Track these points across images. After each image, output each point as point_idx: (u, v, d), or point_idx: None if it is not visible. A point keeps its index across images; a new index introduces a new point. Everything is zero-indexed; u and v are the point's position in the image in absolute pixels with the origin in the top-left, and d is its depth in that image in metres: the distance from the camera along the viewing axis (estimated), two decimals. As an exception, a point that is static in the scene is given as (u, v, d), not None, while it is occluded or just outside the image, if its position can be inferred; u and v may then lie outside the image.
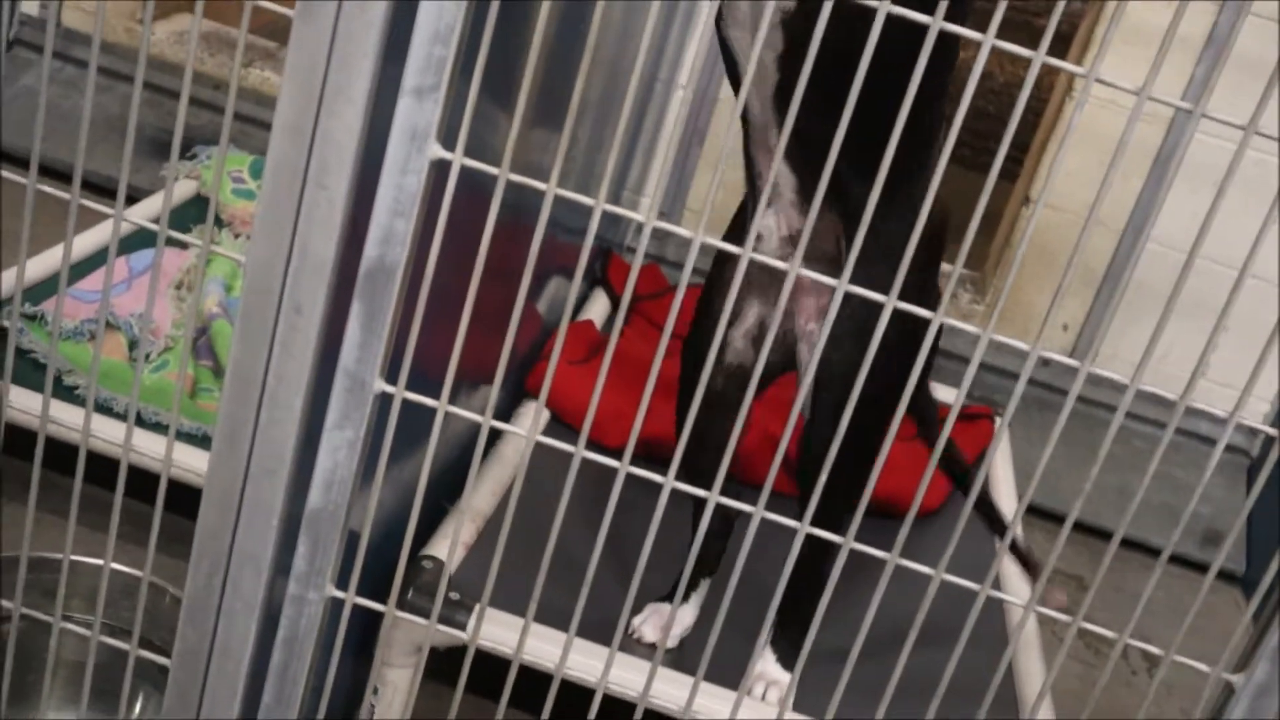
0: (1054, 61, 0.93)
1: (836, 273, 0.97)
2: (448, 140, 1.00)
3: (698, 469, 1.66)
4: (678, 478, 1.04)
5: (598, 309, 2.60)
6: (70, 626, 1.17)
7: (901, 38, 0.92)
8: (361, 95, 0.98)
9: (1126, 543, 2.82)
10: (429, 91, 0.98)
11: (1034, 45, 0.88)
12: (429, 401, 1.05)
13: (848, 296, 0.97)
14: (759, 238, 1.53)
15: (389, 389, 1.05)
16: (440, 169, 1.00)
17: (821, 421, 1.53)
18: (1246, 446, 3.06)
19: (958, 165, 1.56)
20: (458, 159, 0.99)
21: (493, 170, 0.99)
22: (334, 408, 1.06)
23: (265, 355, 1.05)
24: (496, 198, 0.99)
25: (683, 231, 0.99)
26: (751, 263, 1.41)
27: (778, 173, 1.48)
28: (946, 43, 0.88)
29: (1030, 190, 3.07)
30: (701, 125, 2.95)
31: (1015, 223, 3.13)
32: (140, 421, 1.91)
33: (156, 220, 2.23)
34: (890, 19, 0.88)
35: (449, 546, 1.61)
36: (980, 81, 0.94)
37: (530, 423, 1.03)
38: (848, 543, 1.02)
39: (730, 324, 1.61)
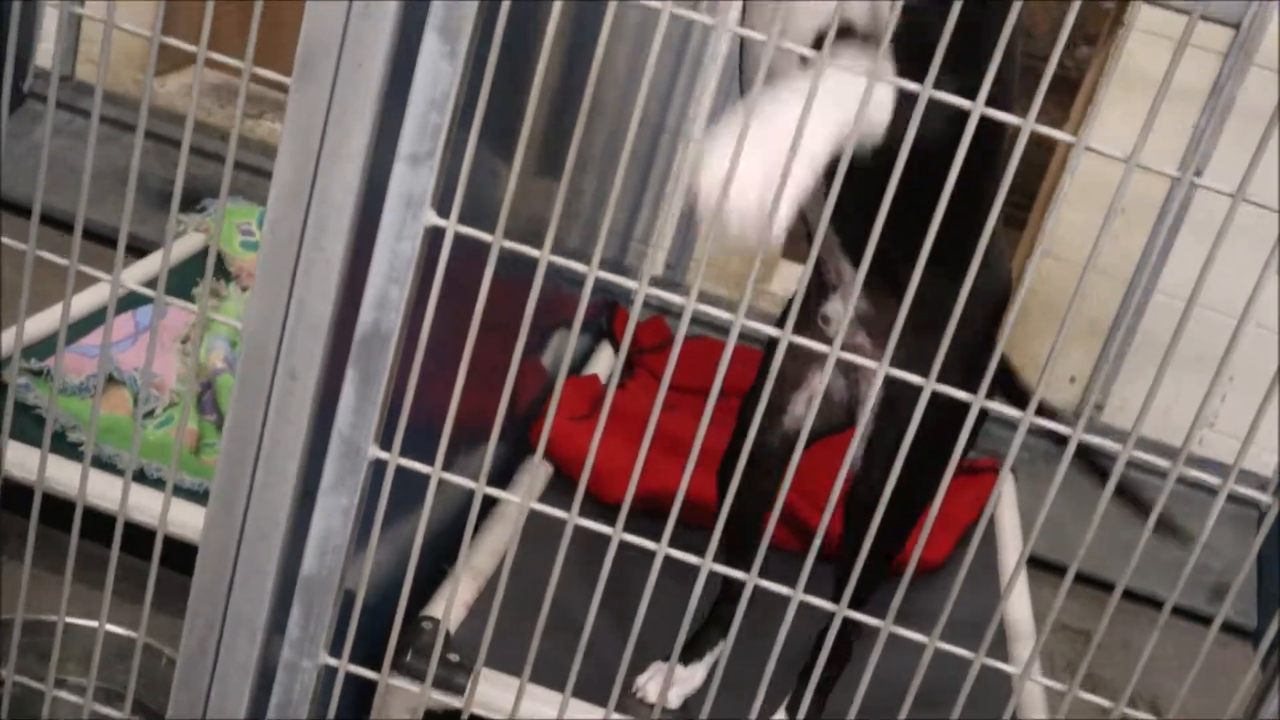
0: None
1: (900, 347, 1.01)
2: (444, 204, 1.01)
3: (740, 525, 1.68)
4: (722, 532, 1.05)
5: (603, 362, 2.59)
6: (63, 695, 1.17)
7: (941, 134, 0.94)
8: (358, 158, 0.98)
9: (1135, 597, 2.79)
10: (424, 158, 0.99)
11: (1052, 90, 0.88)
12: (423, 468, 1.05)
13: (907, 365, 1.01)
14: (826, 319, 1.60)
15: (383, 455, 1.05)
16: (435, 235, 1.01)
17: (871, 484, 1.56)
18: (1255, 498, 3.04)
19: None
20: (452, 226, 0.99)
21: (486, 237, 0.99)
22: (329, 473, 1.06)
23: (261, 418, 1.05)
24: (490, 264, 0.99)
25: (675, 299, 0.99)
26: (815, 336, 1.53)
27: (840, 266, 1.55)
28: (992, 126, 0.91)
29: (1037, 241, 3.07)
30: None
31: (1022, 274, 3.13)
32: (143, 478, 1.91)
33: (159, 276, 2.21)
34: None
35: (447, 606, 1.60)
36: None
37: (530, 480, 1.03)
38: (841, 609, 1.02)
39: (792, 389, 1.66)
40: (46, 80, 3.05)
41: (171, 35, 1.11)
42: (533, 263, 0.99)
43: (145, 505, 1.53)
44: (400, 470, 1.05)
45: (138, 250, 2.67)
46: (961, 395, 1.00)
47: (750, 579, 1.02)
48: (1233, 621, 2.81)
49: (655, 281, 2.90)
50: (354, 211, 0.99)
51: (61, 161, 2.88)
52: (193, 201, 2.79)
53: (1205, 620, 2.77)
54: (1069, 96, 3.05)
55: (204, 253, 2.64)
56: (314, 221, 0.99)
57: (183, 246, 2.64)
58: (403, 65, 0.97)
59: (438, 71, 0.96)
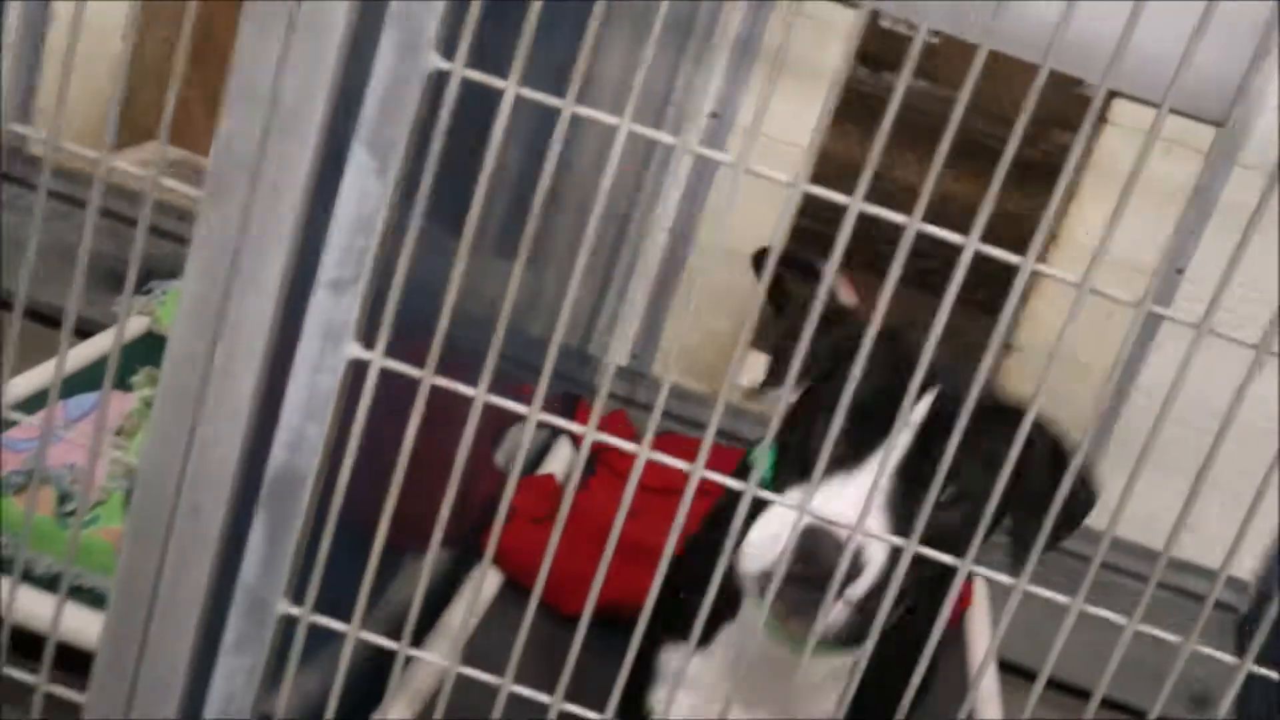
0: (1044, 269, 0.86)
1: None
2: (371, 332, 0.90)
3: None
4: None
5: (560, 460, 2.47)
6: None
7: None
8: (273, 287, 0.88)
9: (1117, 706, 2.69)
10: (348, 285, 0.88)
11: (1023, 179, 0.80)
12: (338, 626, 0.94)
13: None
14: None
15: (294, 611, 0.94)
16: (359, 368, 0.90)
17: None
18: (1235, 603, 2.95)
19: (923, 291, 1.48)
20: (377, 359, 0.89)
21: (415, 372, 0.89)
22: (232, 629, 0.94)
23: (157, 567, 0.93)
24: (420, 402, 0.89)
25: (640, 391, 0.88)
26: None
27: None
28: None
29: (1013, 336, 2.98)
30: (678, 265, 2.87)
31: (999, 369, 3.05)
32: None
33: (101, 359, 2.10)
34: None
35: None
36: (960, 212, 0.86)
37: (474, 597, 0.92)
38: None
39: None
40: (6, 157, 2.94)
41: (130, 111, 1.03)
42: (479, 353, 0.89)
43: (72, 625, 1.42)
44: (327, 584, 0.93)
45: (80, 332, 2.55)
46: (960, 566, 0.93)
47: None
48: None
49: (619, 372, 2.80)
50: (267, 343, 0.88)
51: (9, 239, 2.77)
52: (139, 283, 2.68)
53: (1190, 732, 2.68)
54: (1045, 183, 2.98)
55: (145, 337, 2.53)
56: (223, 352, 0.88)
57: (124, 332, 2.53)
58: (327, 181, 0.87)
59: (365, 190, 0.86)
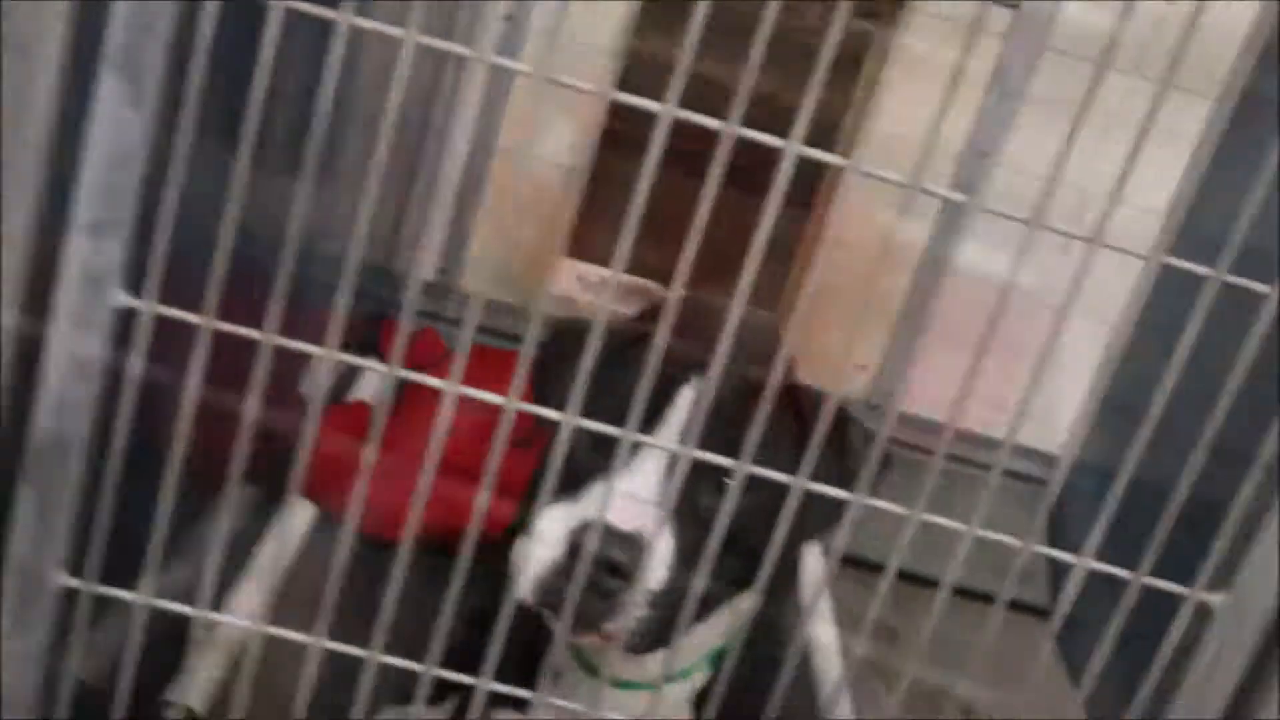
0: (812, 153, 0.79)
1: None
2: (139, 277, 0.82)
3: None
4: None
5: (371, 385, 2.38)
6: None
7: None
8: (19, 233, 0.79)
9: (936, 586, 2.74)
10: (109, 227, 0.79)
11: (808, 66, 0.74)
12: (126, 595, 0.86)
13: None
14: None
15: (74, 583, 0.86)
16: (128, 318, 0.82)
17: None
18: (1046, 477, 3.03)
19: (738, 190, 1.43)
20: (149, 308, 0.81)
21: (193, 319, 0.81)
22: (7, 612, 0.86)
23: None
24: (201, 350, 0.81)
25: (449, 306, 0.82)
26: None
27: None
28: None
29: (824, 228, 2.98)
30: (478, 175, 2.78)
31: (810, 262, 3.04)
32: None
33: None
34: None
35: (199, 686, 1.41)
36: (763, 104, 0.81)
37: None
38: None
39: None
40: None
41: None
42: (269, 283, 0.82)
43: None
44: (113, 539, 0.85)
45: None
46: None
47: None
48: (1029, 602, 2.80)
49: (426, 288, 2.70)
50: (19, 298, 0.79)
51: None
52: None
53: (1007, 605, 2.74)
54: (849, 73, 2.96)
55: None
56: (-35, 313, 0.79)
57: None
58: (75, 113, 0.78)
59: (119, 121, 0.77)
